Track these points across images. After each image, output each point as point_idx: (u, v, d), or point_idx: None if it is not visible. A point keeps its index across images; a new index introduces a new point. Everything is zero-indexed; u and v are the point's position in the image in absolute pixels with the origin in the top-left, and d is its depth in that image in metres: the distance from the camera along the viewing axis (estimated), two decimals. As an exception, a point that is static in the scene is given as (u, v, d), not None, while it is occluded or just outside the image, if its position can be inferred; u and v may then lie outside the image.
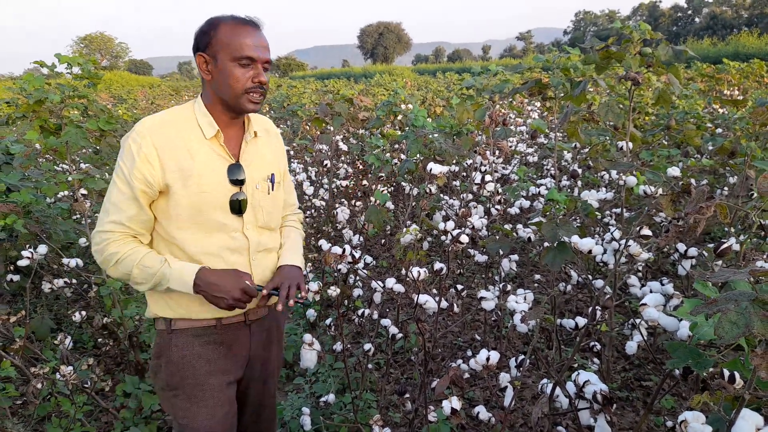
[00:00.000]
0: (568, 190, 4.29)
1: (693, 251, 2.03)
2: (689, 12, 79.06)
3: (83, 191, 3.01)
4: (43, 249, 2.66)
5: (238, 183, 1.47)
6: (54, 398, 2.41)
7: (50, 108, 2.97)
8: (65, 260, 2.88)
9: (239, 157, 1.50)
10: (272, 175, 1.58)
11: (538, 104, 7.59)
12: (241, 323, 1.55)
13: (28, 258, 2.60)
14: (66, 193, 3.82)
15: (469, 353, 3.07)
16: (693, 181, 2.91)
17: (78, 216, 3.83)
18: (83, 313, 2.95)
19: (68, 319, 3.62)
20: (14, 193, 2.94)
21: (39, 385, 2.20)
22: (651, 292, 1.94)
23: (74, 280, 3.33)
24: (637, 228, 1.69)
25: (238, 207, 1.47)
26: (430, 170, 2.48)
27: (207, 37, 1.41)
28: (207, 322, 1.49)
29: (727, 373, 0.96)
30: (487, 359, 1.57)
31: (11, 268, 3.15)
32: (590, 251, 1.70)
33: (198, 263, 1.43)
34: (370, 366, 2.81)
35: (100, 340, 3.23)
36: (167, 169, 1.38)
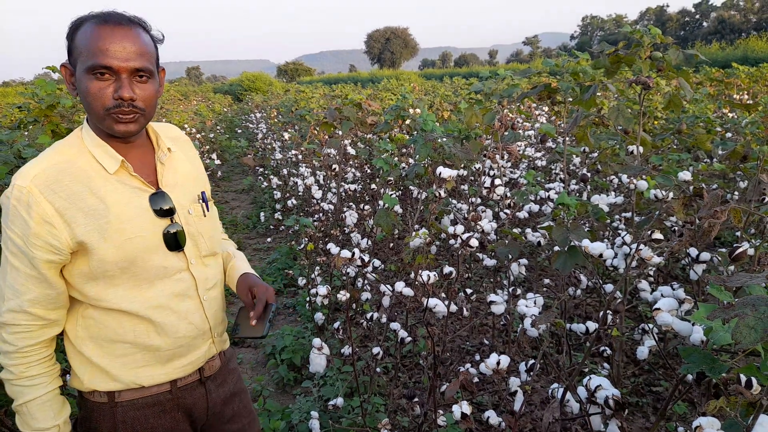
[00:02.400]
0: (577, 194, 4.27)
1: (705, 255, 2.02)
2: (697, 16, 78.83)
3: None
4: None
5: (167, 213, 1.20)
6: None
7: (62, 113, 3.00)
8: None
9: (159, 183, 1.22)
10: (202, 193, 1.32)
11: (546, 108, 7.59)
12: (197, 381, 1.30)
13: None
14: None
15: (477, 357, 3.06)
16: (702, 185, 2.90)
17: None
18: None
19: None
20: (26, 197, 2.96)
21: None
22: (662, 296, 1.93)
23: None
24: (649, 232, 1.68)
25: (175, 241, 1.20)
26: (440, 174, 2.48)
27: (68, 42, 1.11)
28: (159, 388, 1.23)
29: (744, 378, 0.95)
30: (498, 363, 1.57)
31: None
32: (601, 255, 1.70)
33: (145, 320, 1.18)
34: (378, 370, 2.81)
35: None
36: (75, 224, 1.08)
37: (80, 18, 1.11)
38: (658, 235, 1.67)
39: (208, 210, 1.31)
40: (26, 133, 4.02)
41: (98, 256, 1.11)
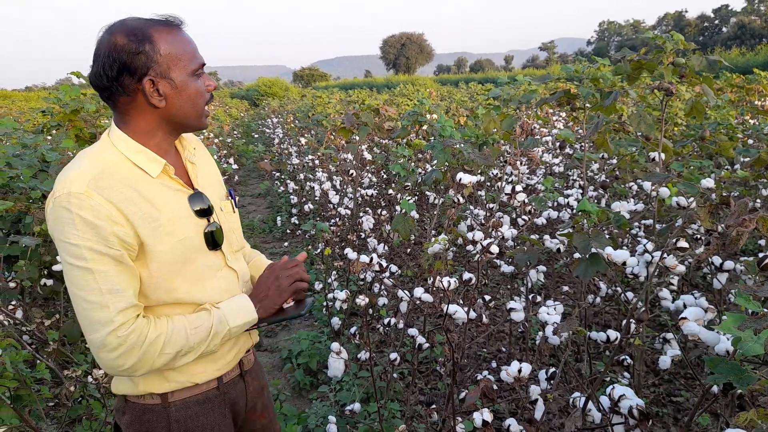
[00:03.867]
0: (595, 200, 4.24)
1: (729, 264, 1.99)
2: (716, 21, 77.91)
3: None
4: (76, 254, 2.71)
5: (205, 213, 1.23)
6: (85, 401, 2.46)
7: (85, 117, 3.05)
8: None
9: (193, 183, 1.26)
10: (230, 189, 1.38)
11: (564, 114, 7.54)
12: (238, 376, 1.35)
13: (63, 263, 2.66)
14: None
15: (494, 364, 3.04)
16: (725, 193, 2.86)
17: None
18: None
19: (98, 323, 3.69)
20: (49, 200, 3.02)
21: (72, 388, 2.25)
22: (684, 305, 1.90)
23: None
24: (674, 240, 1.66)
25: (213, 240, 1.23)
26: (460, 180, 2.48)
27: (146, 56, 1.10)
28: (208, 385, 1.27)
29: (776, 389, 0.94)
30: (519, 371, 1.55)
31: (45, 272, 3.23)
32: (624, 263, 1.68)
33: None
34: (395, 375, 2.80)
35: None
36: (136, 224, 1.09)
37: (141, 29, 1.11)
38: (683, 244, 1.65)
39: (236, 205, 1.36)
40: (49, 137, 4.10)
41: (156, 259, 1.12)
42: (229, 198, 1.36)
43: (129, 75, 1.10)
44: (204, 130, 1.18)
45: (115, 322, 1.06)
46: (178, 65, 1.13)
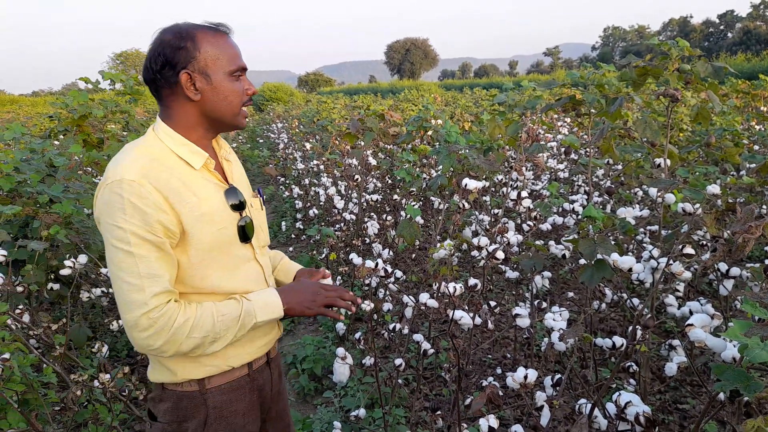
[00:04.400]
0: (600, 206, 4.23)
1: (735, 271, 1.99)
2: (721, 27, 77.80)
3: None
4: (83, 259, 2.73)
5: (239, 207, 1.31)
6: (92, 405, 2.46)
7: (92, 123, 3.08)
8: (103, 270, 2.95)
9: (228, 179, 1.35)
10: (258, 188, 1.48)
11: (569, 120, 7.54)
12: (265, 363, 1.43)
13: (70, 267, 2.68)
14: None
15: (499, 371, 3.03)
16: (731, 199, 2.85)
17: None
18: (120, 322, 3.02)
19: (103, 327, 3.70)
20: (56, 205, 3.04)
21: (78, 392, 2.25)
22: (690, 312, 1.90)
23: (110, 290, 3.41)
24: (680, 246, 1.66)
25: (244, 233, 1.31)
26: (465, 185, 2.48)
27: (187, 52, 1.20)
28: (240, 371, 1.35)
29: (783, 397, 0.93)
30: (525, 377, 1.55)
31: (51, 276, 3.25)
32: (630, 270, 1.68)
33: None
34: (400, 381, 2.80)
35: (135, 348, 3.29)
36: (180, 212, 1.18)
37: (186, 29, 1.22)
38: (689, 250, 1.64)
39: (263, 203, 1.46)
40: (57, 142, 4.13)
41: (195, 246, 1.21)
42: (257, 196, 1.45)
43: (170, 68, 1.20)
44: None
45: (149, 304, 1.13)
46: (216, 64, 1.23)
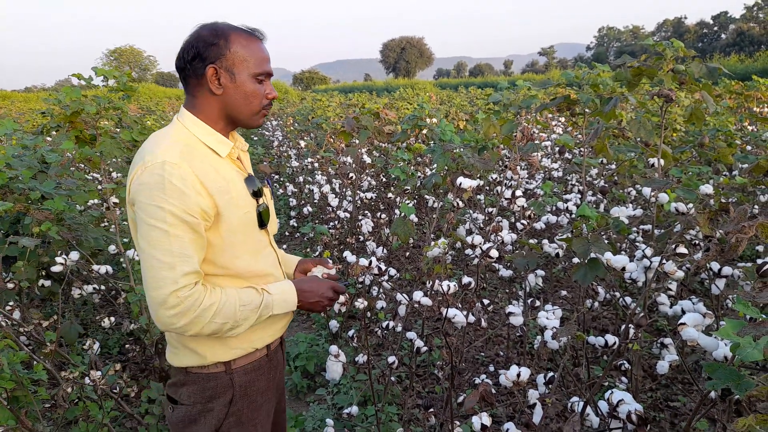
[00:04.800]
0: (594, 205, 4.24)
1: (727, 270, 1.99)
2: (715, 28, 78.21)
3: (114, 200, 3.08)
4: (75, 255, 2.71)
5: (257, 194, 1.40)
6: (82, 402, 2.45)
7: (85, 119, 3.05)
8: (95, 267, 2.93)
9: (245, 169, 1.44)
10: (267, 179, 1.56)
11: (563, 119, 7.55)
12: (278, 344, 1.52)
13: (62, 264, 2.66)
14: (95, 201, 3.90)
15: (492, 368, 3.04)
16: (724, 199, 2.87)
17: (107, 223, 3.91)
18: (112, 319, 3.00)
19: (95, 324, 3.68)
20: (48, 201, 3.01)
21: (69, 389, 2.24)
22: (683, 311, 1.90)
23: (102, 287, 3.39)
24: (673, 246, 1.66)
25: (261, 220, 1.40)
26: (459, 184, 2.48)
27: (218, 49, 1.28)
28: (261, 353, 1.43)
29: (774, 395, 0.94)
30: (518, 375, 1.55)
31: (43, 273, 3.22)
32: (624, 269, 1.68)
33: (263, 283, 1.39)
34: (393, 379, 2.80)
35: (126, 345, 3.27)
36: (214, 194, 1.26)
37: (222, 29, 1.31)
38: (682, 249, 1.65)
39: (272, 192, 1.53)
40: (49, 138, 4.09)
41: (227, 227, 1.28)
42: (267, 185, 1.51)
43: (200, 60, 1.28)
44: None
45: (179, 283, 1.18)
46: (243, 65, 1.30)
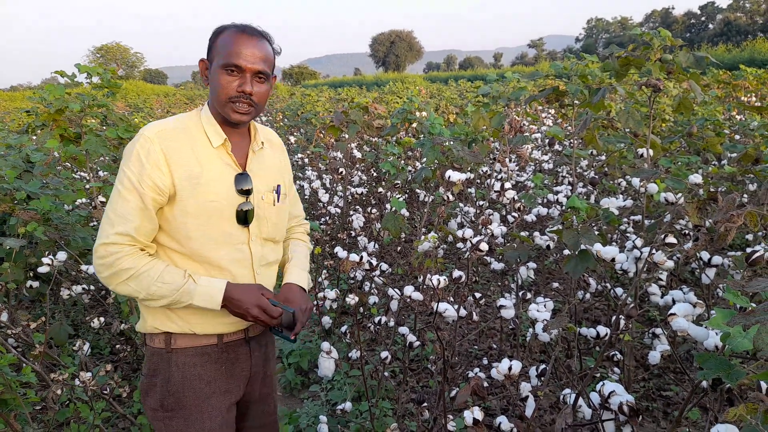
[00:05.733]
0: (585, 197, 4.25)
1: (717, 259, 2.00)
2: (702, 18, 78.60)
3: (102, 198, 3.04)
4: (62, 256, 2.68)
5: (246, 193, 1.42)
6: (73, 404, 2.43)
7: (70, 117, 3.01)
8: (84, 267, 2.90)
9: (246, 167, 1.46)
10: (278, 186, 1.55)
11: (553, 111, 7.56)
12: (242, 340, 1.50)
13: (48, 265, 2.63)
14: (83, 200, 3.87)
15: (485, 362, 3.04)
16: (713, 188, 2.88)
17: (96, 223, 3.88)
18: (101, 319, 2.97)
19: (85, 325, 3.65)
20: (34, 201, 2.97)
21: (59, 391, 2.21)
22: (673, 301, 1.91)
23: (92, 287, 3.36)
24: (662, 236, 1.66)
25: (244, 217, 1.42)
26: (449, 177, 2.47)
27: (210, 44, 1.40)
28: (208, 339, 1.44)
29: (765, 385, 0.94)
30: (510, 368, 1.55)
31: (30, 274, 3.19)
32: (613, 260, 1.68)
33: (209, 276, 1.39)
34: (386, 374, 2.80)
35: (117, 346, 3.25)
36: (176, 176, 1.33)
37: (223, 26, 1.40)
38: (672, 239, 1.65)
39: (278, 201, 1.53)
40: (34, 137, 4.04)
41: (182, 207, 1.35)
42: (274, 192, 1.53)
43: (206, 55, 1.42)
44: (241, 124, 1.46)
45: (109, 238, 1.31)
46: (218, 56, 1.37)
